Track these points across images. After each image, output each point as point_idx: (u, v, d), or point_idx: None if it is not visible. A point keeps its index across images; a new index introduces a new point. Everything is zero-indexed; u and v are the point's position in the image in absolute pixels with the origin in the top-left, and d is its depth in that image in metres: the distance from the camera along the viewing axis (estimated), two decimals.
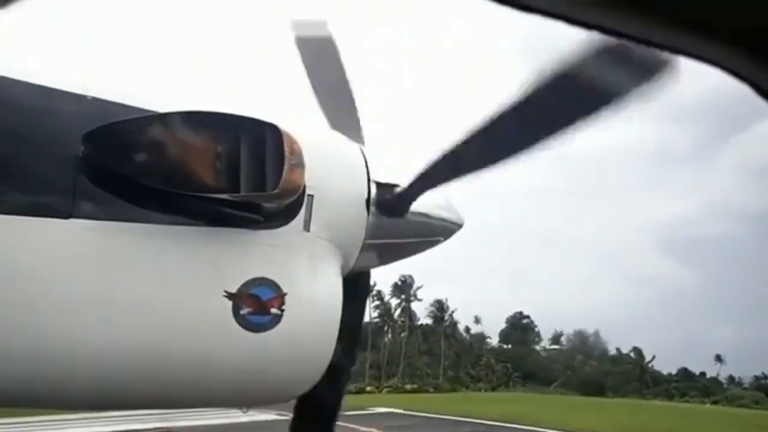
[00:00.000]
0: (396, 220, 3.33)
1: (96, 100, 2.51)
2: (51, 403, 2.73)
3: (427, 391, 50.04)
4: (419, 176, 3.11)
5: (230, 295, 2.57)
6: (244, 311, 2.58)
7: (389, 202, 3.25)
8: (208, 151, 2.50)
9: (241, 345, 2.60)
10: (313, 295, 2.81)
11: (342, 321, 2.87)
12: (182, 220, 2.58)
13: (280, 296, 2.67)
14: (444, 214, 3.72)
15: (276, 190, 2.52)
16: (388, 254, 3.70)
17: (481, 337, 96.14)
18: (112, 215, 2.47)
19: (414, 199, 3.32)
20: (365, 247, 3.16)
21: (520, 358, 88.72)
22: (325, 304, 2.85)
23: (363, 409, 26.24)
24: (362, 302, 3.83)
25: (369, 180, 3.14)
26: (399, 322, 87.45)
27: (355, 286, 3.23)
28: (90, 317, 2.39)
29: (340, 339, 2.89)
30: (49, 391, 2.51)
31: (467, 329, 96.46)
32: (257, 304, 2.62)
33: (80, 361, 2.40)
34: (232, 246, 2.65)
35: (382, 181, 3.24)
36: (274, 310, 2.65)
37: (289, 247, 2.79)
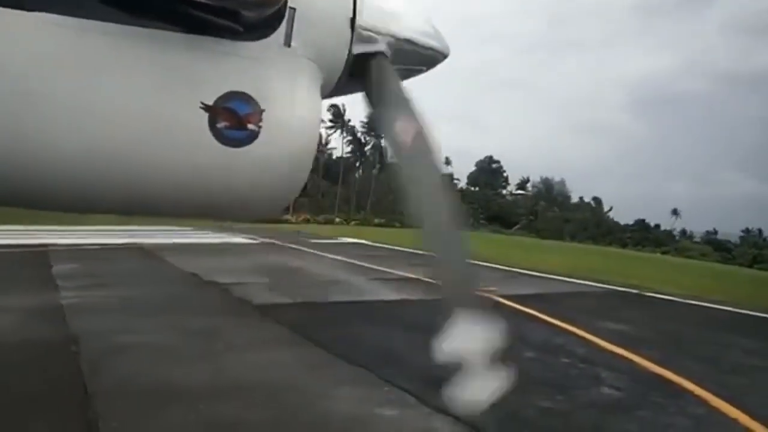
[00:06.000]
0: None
1: None
2: (23, 203, 2.67)
3: (394, 226, 51.61)
4: None
5: (206, 107, 2.46)
6: (220, 125, 2.50)
7: None
8: None
9: (215, 158, 2.53)
10: (292, 113, 2.71)
11: None
12: (157, 23, 2.40)
13: (258, 112, 2.58)
14: (430, 42, 3.52)
15: None
16: None
17: (449, 178, 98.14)
18: (79, 11, 2.27)
19: None
20: (346, 71, 3.03)
21: (486, 201, 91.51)
22: (303, 123, 2.76)
23: (331, 238, 27.10)
24: None
25: None
26: (371, 159, 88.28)
27: None
28: (58, 119, 2.28)
29: None
30: (19, 191, 2.46)
31: None
32: (234, 119, 2.53)
33: (50, 162, 2.32)
34: (210, 55, 2.50)
35: None
36: (251, 126, 2.57)
37: (268, 62, 2.65)
